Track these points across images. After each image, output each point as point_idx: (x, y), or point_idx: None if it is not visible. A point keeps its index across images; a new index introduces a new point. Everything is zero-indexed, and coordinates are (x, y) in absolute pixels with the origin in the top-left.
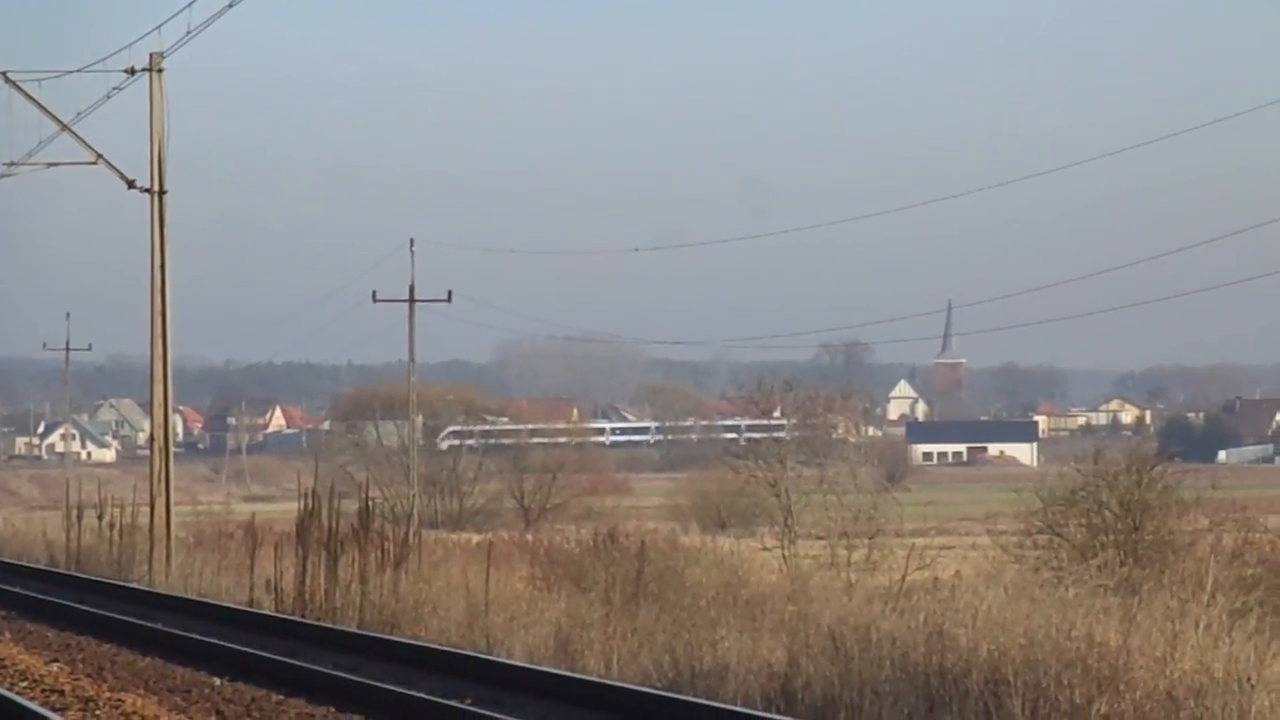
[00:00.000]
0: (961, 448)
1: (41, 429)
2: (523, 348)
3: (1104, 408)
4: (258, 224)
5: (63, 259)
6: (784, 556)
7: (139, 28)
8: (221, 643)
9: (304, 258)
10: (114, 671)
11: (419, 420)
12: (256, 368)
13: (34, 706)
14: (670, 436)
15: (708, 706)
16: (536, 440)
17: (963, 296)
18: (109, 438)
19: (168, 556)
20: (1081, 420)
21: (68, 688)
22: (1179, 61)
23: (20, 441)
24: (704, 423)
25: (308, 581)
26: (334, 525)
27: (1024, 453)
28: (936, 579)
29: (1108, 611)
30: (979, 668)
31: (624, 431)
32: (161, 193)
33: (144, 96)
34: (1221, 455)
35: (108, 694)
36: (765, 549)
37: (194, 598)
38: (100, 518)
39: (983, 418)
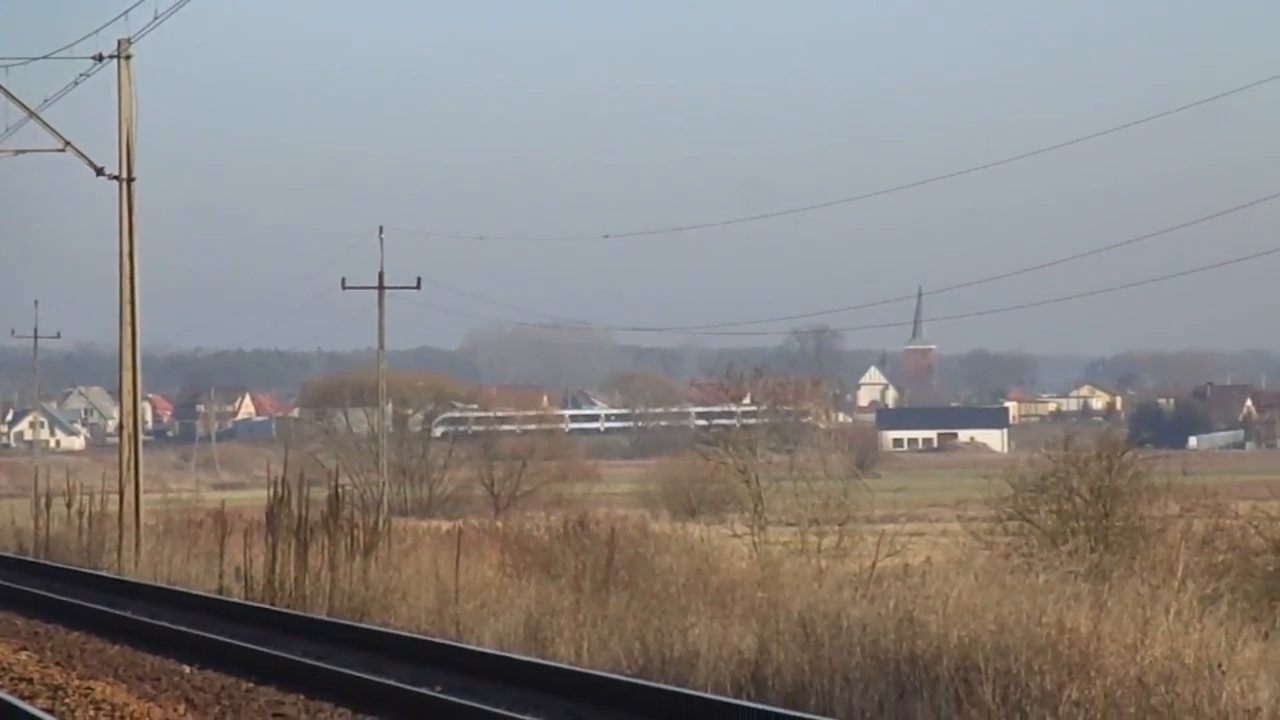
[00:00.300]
0: (932, 434)
1: (10, 417)
2: (492, 335)
3: (1074, 394)
4: (227, 211)
5: (31, 246)
6: (754, 543)
7: (106, 13)
8: (191, 630)
9: (273, 245)
10: (83, 659)
11: (389, 407)
12: (226, 355)
13: (2, 694)
14: (640, 424)
15: (678, 693)
16: (530, 428)
17: (933, 283)
18: (78, 425)
19: (137, 544)
20: (1052, 406)
21: (36, 676)
22: (1148, 52)
23: None
24: (674, 409)
25: (277, 569)
26: (304, 513)
27: (994, 439)
28: (907, 565)
29: (1078, 598)
30: (949, 654)
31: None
32: (130, 179)
33: (112, 83)
34: (1192, 441)
35: (77, 682)
36: (735, 536)
37: (163, 585)
38: (69, 505)
39: (953, 404)
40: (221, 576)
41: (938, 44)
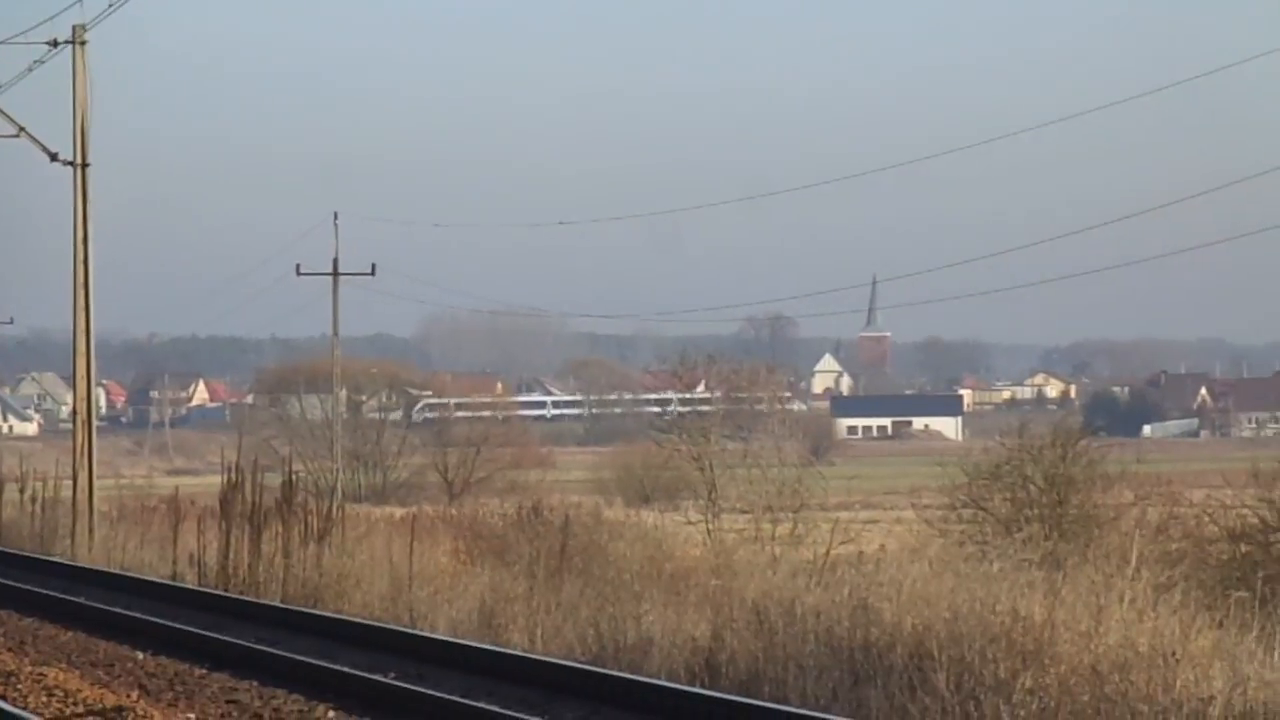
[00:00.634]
0: (886, 422)
1: None
2: (446, 322)
3: (1029, 382)
4: (181, 198)
5: None
6: (708, 530)
7: (61, 0)
8: (144, 617)
9: (228, 231)
10: (36, 645)
11: (343, 394)
12: (180, 341)
13: None
14: (594, 410)
15: (632, 680)
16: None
17: (887, 271)
18: (31, 411)
19: (90, 530)
20: (1006, 394)
21: None
22: (1103, 38)
23: None
24: (628, 396)
25: (231, 555)
26: (257, 499)
27: (949, 427)
28: (861, 553)
29: (1032, 586)
30: (903, 642)
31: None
32: (84, 165)
33: (67, 69)
34: (1146, 430)
35: (30, 668)
36: (689, 523)
37: (117, 571)
38: (22, 491)
39: (908, 392)
40: (175, 563)
41: (889, 30)
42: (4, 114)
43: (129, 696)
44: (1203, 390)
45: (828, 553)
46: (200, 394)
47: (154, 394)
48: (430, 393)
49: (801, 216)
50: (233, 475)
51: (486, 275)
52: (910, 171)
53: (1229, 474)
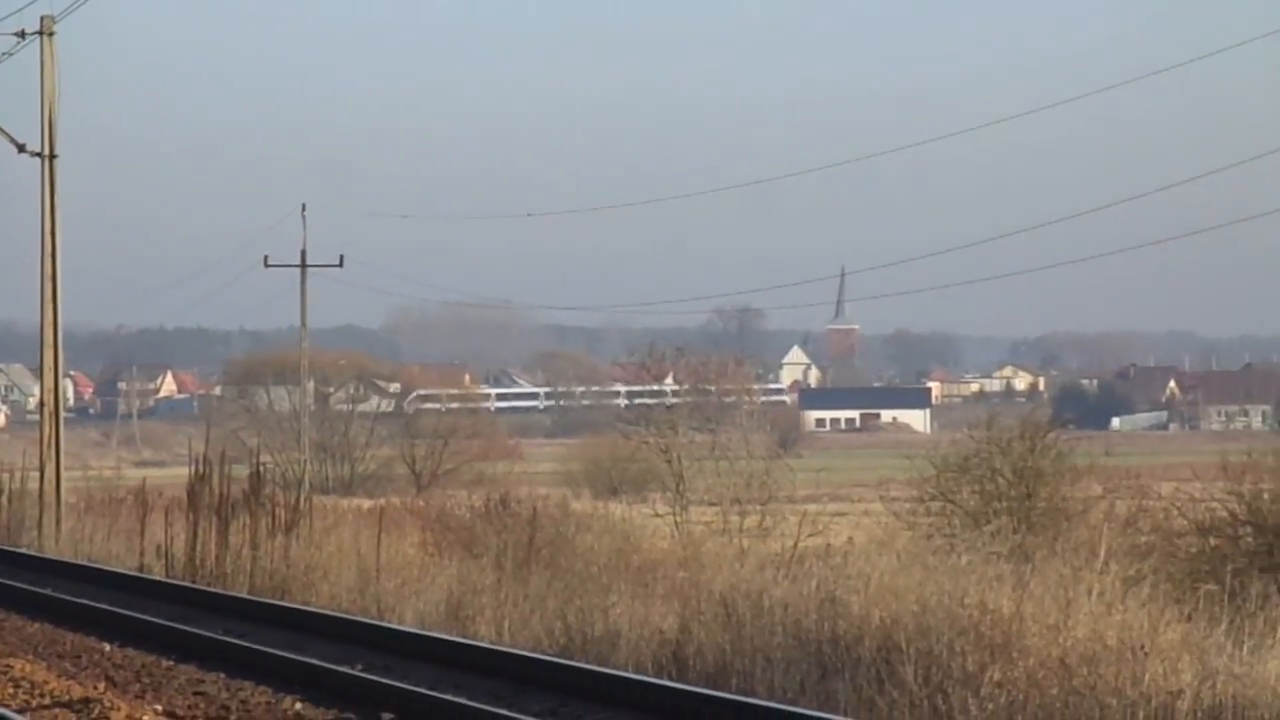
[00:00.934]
0: (855, 414)
1: None
2: (414, 313)
3: (997, 374)
4: (149, 189)
5: None
6: (676, 523)
7: None
8: (112, 608)
9: (196, 223)
10: (2, 637)
11: (310, 386)
12: (148, 333)
13: None
14: (563, 402)
15: (599, 673)
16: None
17: (856, 262)
18: None
19: (58, 522)
20: (975, 387)
21: None
22: (1071, 26)
23: None
24: (596, 388)
25: (198, 547)
26: (225, 491)
27: (917, 419)
28: (829, 546)
29: (1001, 579)
30: (871, 635)
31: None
32: (52, 157)
33: (35, 61)
34: (1115, 422)
35: None
36: (657, 515)
37: (84, 563)
38: None
39: (876, 384)
40: (142, 554)
41: (855, 19)
42: None
43: (96, 688)
44: (1171, 383)
45: (795, 545)
46: (168, 386)
47: (122, 385)
48: (398, 384)
49: (770, 208)
50: (200, 467)
51: (454, 267)
52: (878, 163)
53: (1198, 467)
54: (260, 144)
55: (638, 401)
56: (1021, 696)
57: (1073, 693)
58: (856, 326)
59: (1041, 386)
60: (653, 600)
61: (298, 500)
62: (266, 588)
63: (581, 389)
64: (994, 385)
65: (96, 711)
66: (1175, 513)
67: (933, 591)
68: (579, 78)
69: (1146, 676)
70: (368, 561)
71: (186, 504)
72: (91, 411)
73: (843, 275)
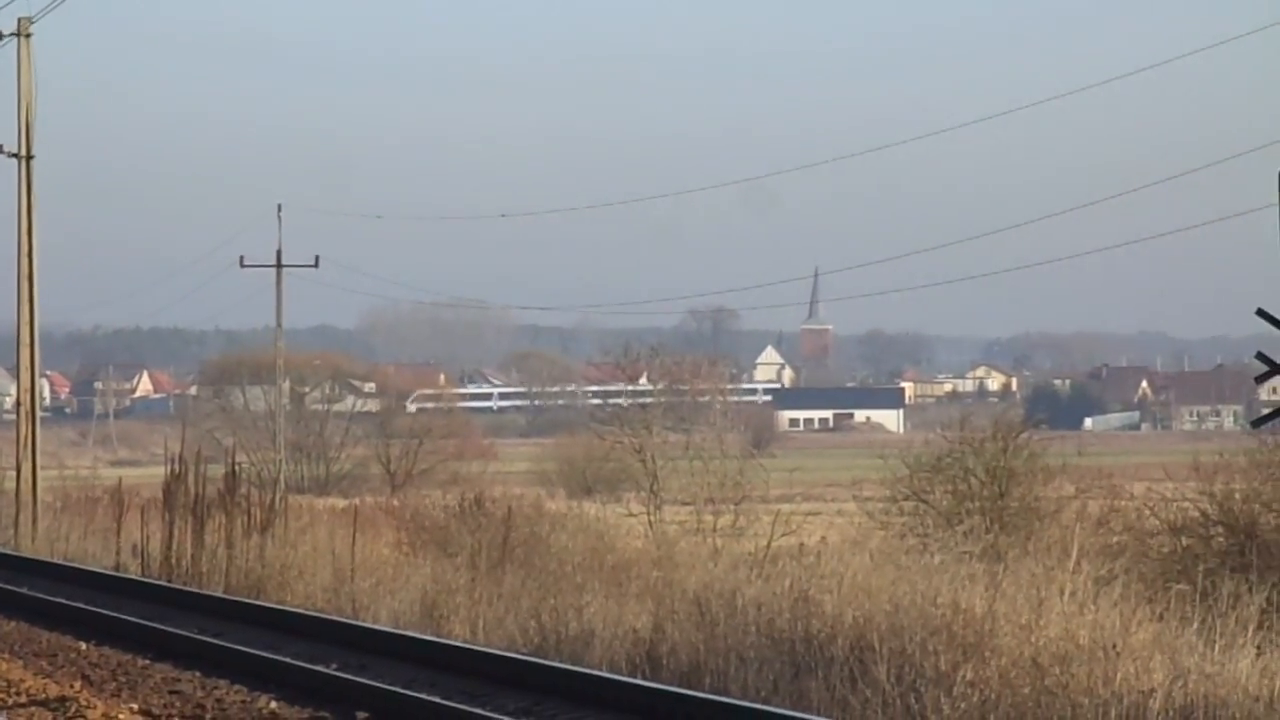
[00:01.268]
0: (828, 414)
1: None
2: (389, 313)
3: (970, 374)
4: (125, 189)
5: None
6: (650, 522)
7: None
8: (88, 607)
9: (171, 223)
10: None
11: (286, 385)
12: (124, 333)
13: None
14: (536, 402)
15: (573, 672)
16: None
17: (829, 263)
18: None
19: (34, 520)
20: (948, 387)
21: None
22: (1040, 30)
23: None
24: (570, 388)
25: (174, 546)
26: (200, 490)
27: (890, 419)
28: (802, 545)
29: (973, 578)
30: (844, 634)
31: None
32: (29, 157)
33: (11, 61)
34: (1088, 422)
35: None
36: (631, 515)
37: (60, 562)
38: None
39: (849, 384)
40: (118, 553)
41: (826, 17)
42: None
43: (72, 687)
44: (1144, 383)
45: (769, 544)
46: (144, 385)
47: (98, 385)
48: (373, 384)
49: (743, 208)
50: (176, 466)
51: (429, 267)
52: (851, 164)
53: (1170, 467)
54: (235, 144)
55: (612, 402)
56: (994, 696)
57: (1045, 692)
58: (830, 327)
59: (1014, 387)
60: (626, 599)
61: (273, 500)
62: (242, 587)
63: (556, 389)
64: (967, 385)
65: (72, 710)
66: (1147, 513)
67: (906, 591)
68: (556, 79)
69: (1118, 676)
70: (343, 561)
71: (162, 503)
72: (68, 411)
73: (816, 276)
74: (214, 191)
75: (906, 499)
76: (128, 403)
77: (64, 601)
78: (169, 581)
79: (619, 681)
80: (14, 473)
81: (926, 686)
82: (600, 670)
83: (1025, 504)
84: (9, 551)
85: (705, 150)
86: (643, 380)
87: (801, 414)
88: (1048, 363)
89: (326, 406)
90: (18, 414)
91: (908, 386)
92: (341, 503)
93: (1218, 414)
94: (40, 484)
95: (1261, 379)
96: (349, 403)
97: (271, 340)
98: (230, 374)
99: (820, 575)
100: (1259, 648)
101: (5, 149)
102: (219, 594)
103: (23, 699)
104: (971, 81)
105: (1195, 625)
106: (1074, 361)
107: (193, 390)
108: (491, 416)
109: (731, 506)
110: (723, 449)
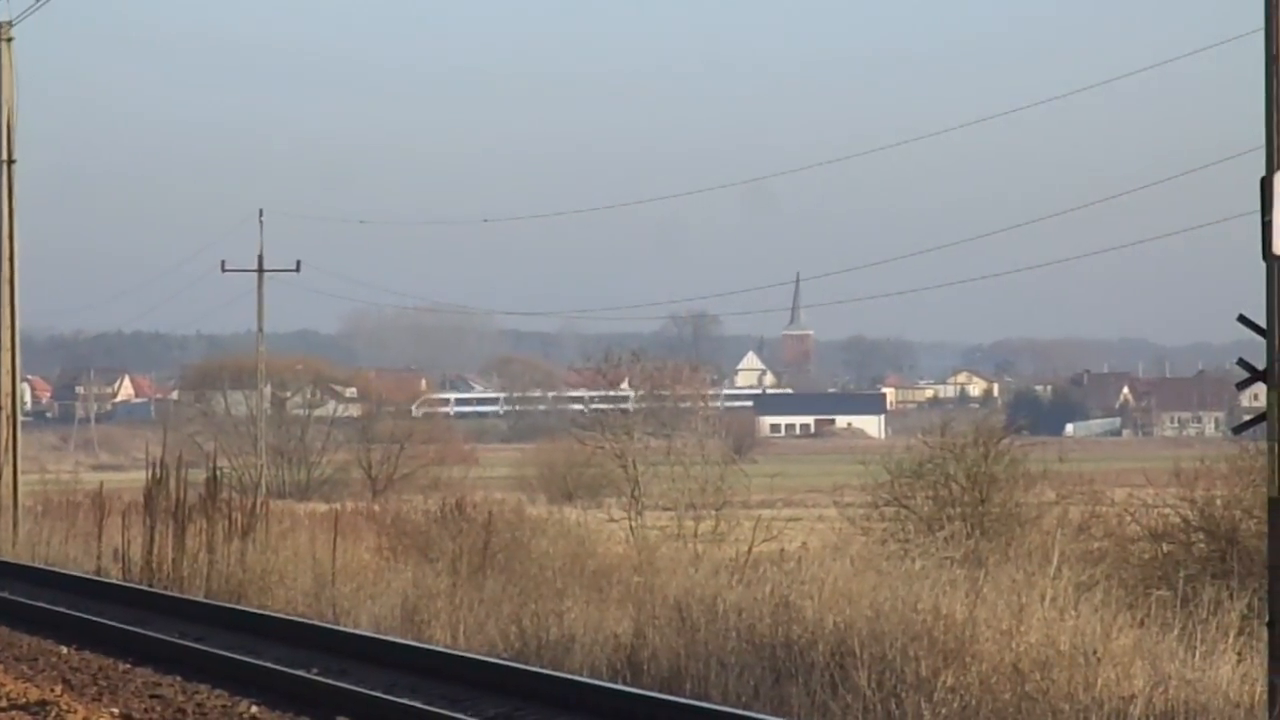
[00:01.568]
0: (809, 419)
1: None
2: (371, 318)
3: (952, 380)
4: (106, 193)
5: None
6: (631, 528)
7: None
8: (68, 611)
9: (153, 228)
10: None
11: (267, 390)
12: (105, 337)
13: None
14: (517, 408)
15: (554, 677)
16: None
17: (811, 269)
18: None
19: (15, 525)
20: (929, 393)
21: None
22: (1022, 38)
23: None
24: (552, 394)
25: (155, 551)
26: (181, 495)
27: (871, 425)
28: (783, 550)
29: (954, 584)
30: (825, 639)
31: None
32: (10, 162)
33: None
34: (1069, 428)
35: None
36: (612, 520)
37: (41, 566)
38: None
39: (830, 390)
40: (99, 558)
41: (810, 21)
42: None
43: (53, 691)
44: (1125, 389)
45: (750, 550)
46: (126, 390)
47: (79, 389)
48: (354, 390)
49: (725, 214)
50: (157, 471)
51: (411, 272)
52: (832, 169)
53: (1151, 473)
54: (217, 149)
55: (594, 407)
56: (974, 701)
57: (1025, 698)
58: (811, 332)
59: (996, 392)
60: (607, 605)
61: (254, 504)
62: (223, 591)
63: (538, 394)
64: (948, 391)
65: (53, 714)
66: (1128, 519)
67: (886, 596)
68: (539, 77)
69: (1099, 682)
70: (323, 566)
71: (144, 508)
72: (49, 415)
73: (797, 281)
74: (196, 196)
75: (887, 505)
76: (109, 407)
77: (45, 606)
78: (150, 586)
79: (600, 687)
80: None
81: (907, 692)
82: (581, 675)
83: (1006, 510)
84: None
85: (689, 157)
86: (624, 386)
87: (783, 420)
88: (1029, 369)
89: (308, 411)
90: None
91: (889, 392)
92: (323, 508)
93: (1199, 420)
94: (21, 488)
95: (1243, 385)
96: (330, 408)
97: (253, 345)
98: (212, 379)
99: (801, 581)
100: (1240, 654)
101: None
102: (200, 599)
103: (3, 703)
104: (953, 88)
105: (1176, 631)
106: (1056, 367)
107: (174, 395)
108: (474, 421)
109: (712, 512)
110: (704, 455)
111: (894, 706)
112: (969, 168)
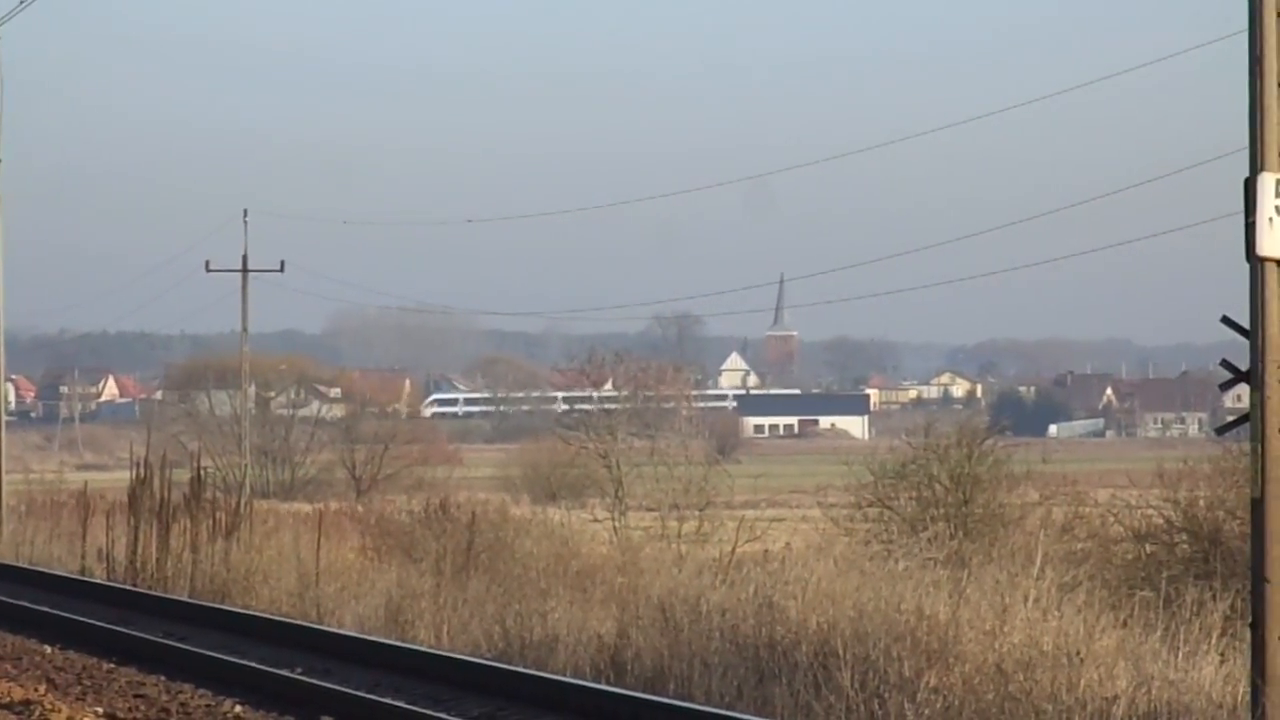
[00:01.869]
0: (793, 420)
1: None
2: (355, 318)
3: (935, 381)
4: (90, 192)
5: None
6: (614, 528)
7: None
8: (52, 611)
9: (138, 227)
10: None
11: (251, 390)
12: (90, 337)
13: None
14: (502, 408)
15: (538, 677)
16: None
17: (795, 269)
18: None
19: None
20: (913, 393)
21: None
22: (1008, 39)
23: None
24: (536, 394)
25: (139, 550)
26: (166, 494)
27: (855, 425)
28: (767, 551)
29: (937, 585)
30: (808, 640)
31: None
32: None
33: None
34: (1052, 429)
35: None
36: (596, 520)
37: (25, 566)
38: None
39: (814, 390)
40: (83, 557)
41: (795, 21)
42: None
43: (37, 690)
44: (1108, 390)
45: (733, 551)
46: (110, 389)
47: (63, 389)
48: (339, 389)
49: (709, 214)
50: (142, 471)
51: (396, 273)
52: (817, 170)
53: (1134, 474)
54: (201, 148)
55: (577, 407)
56: (957, 702)
57: (1008, 698)
58: (795, 333)
59: (979, 393)
60: (591, 605)
61: (238, 504)
62: (207, 591)
63: (522, 394)
64: (932, 392)
65: (37, 713)
66: (1111, 519)
67: (870, 597)
68: (525, 78)
69: (1082, 682)
70: (307, 566)
71: (128, 507)
72: (33, 415)
73: (781, 282)
74: (180, 196)
75: (871, 505)
76: (93, 407)
77: (29, 605)
78: (134, 585)
79: (583, 687)
80: None
81: (890, 692)
82: (564, 675)
83: (989, 510)
84: None
85: (678, 157)
86: (608, 386)
87: (766, 420)
88: (1013, 370)
89: (292, 411)
90: None
91: (873, 393)
92: (307, 508)
93: (1182, 421)
94: (5, 488)
95: (1226, 386)
96: (315, 408)
97: (237, 345)
98: (196, 378)
99: (784, 581)
100: (1222, 655)
101: None
102: (184, 598)
103: None
104: (938, 89)
105: (1159, 632)
106: (1039, 368)
107: (158, 394)
108: (457, 422)
109: (696, 513)
110: (688, 455)
111: (877, 707)
112: (953, 169)
